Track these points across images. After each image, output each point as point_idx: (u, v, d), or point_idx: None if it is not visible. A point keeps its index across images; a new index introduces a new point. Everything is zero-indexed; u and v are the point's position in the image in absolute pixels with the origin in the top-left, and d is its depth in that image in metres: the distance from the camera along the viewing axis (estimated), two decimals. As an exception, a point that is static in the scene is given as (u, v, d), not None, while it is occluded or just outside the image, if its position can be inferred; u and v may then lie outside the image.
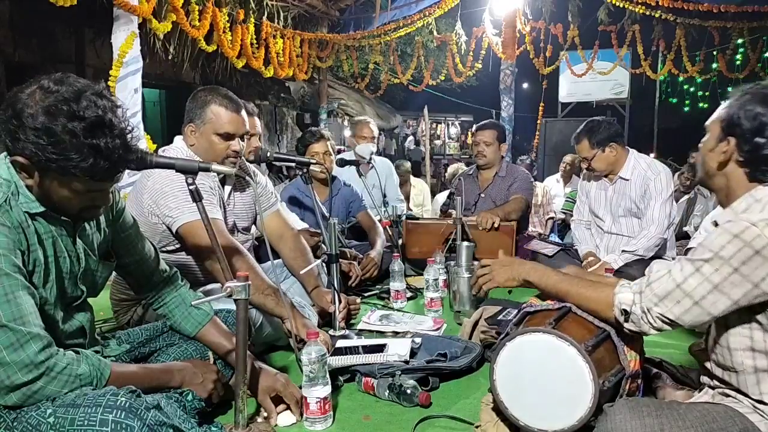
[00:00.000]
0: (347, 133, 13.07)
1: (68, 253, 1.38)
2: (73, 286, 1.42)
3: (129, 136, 1.28)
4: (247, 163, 2.52)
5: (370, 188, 3.84)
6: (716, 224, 1.31)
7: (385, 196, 4.21)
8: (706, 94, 12.78)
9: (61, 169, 1.22)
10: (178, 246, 2.16)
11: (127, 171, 1.38)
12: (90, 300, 1.53)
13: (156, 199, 2.06)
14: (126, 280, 1.74)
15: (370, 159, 4.16)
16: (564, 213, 5.76)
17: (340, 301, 2.34)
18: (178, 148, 2.21)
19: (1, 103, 1.24)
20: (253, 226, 2.52)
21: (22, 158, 1.24)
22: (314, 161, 2.68)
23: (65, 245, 1.38)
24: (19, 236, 1.26)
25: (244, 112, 2.22)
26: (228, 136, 2.16)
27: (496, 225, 3.38)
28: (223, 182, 2.30)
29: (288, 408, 1.65)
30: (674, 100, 13.57)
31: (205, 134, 2.16)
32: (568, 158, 6.61)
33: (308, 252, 2.51)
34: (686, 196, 5.60)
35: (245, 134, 2.24)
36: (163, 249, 2.15)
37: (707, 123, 1.40)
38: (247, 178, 2.33)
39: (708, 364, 1.37)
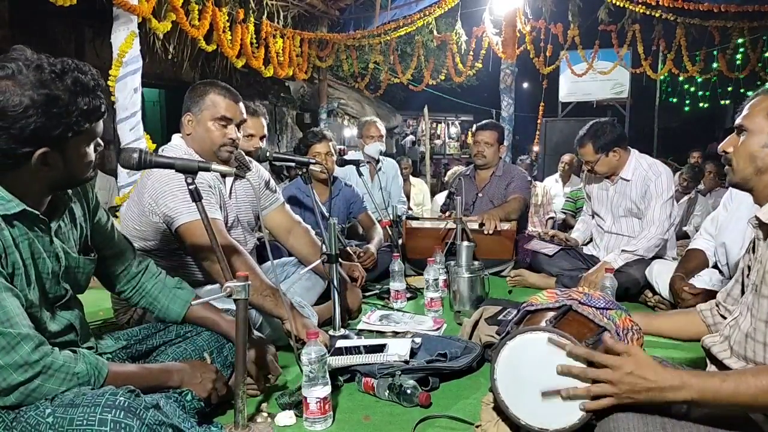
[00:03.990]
0: (347, 133, 13.12)
1: (47, 253, 1.36)
2: (56, 286, 1.40)
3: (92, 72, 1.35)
4: (247, 157, 2.52)
5: (375, 191, 3.84)
6: (758, 219, 1.31)
7: (389, 196, 4.22)
8: (707, 93, 12.80)
9: (70, 130, 1.25)
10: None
11: (126, 171, 1.37)
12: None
13: (156, 199, 2.06)
14: (104, 274, 1.67)
15: (379, 159, 4.18)
16: (564, 213, 5.76)
17: (340, 302, 2.34)
18: (177, 147, 2.21)
19: None
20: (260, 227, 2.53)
21: (42, 149, 1.23)
22: (314, 161, 2.67)
23: (43, 246, 1.35)
24: None
25: (242, 105, 2.24)
26: (225, 120, 2.17)
27: (499, 229, 3.40)
28: (224, 173, 2.31)
29: (287, 408, 1.66)
30: (674, 100, 13.60)
31: (202, 122, 2.18)
32: (566, 158, 6.61)
33: (319, 245, 2.52)
34: (686, 196, 5.60)
35: (242, 123, 2.26)
36: (165, 248, 2.15)
37: (743, 122, 1.34)
38: (249, 168, 2.35)
39: (727, 360, 1.36)
